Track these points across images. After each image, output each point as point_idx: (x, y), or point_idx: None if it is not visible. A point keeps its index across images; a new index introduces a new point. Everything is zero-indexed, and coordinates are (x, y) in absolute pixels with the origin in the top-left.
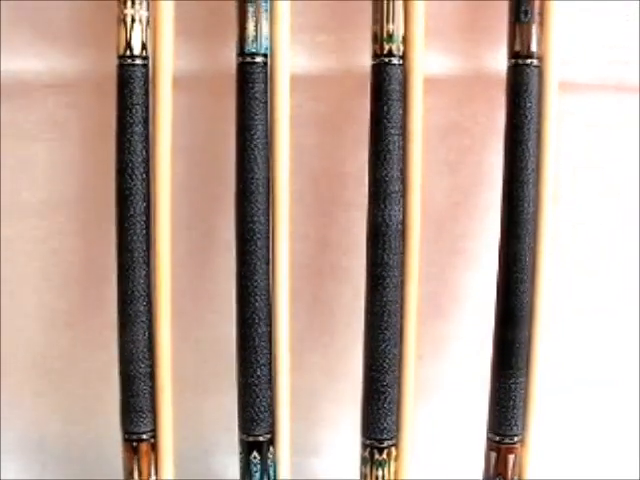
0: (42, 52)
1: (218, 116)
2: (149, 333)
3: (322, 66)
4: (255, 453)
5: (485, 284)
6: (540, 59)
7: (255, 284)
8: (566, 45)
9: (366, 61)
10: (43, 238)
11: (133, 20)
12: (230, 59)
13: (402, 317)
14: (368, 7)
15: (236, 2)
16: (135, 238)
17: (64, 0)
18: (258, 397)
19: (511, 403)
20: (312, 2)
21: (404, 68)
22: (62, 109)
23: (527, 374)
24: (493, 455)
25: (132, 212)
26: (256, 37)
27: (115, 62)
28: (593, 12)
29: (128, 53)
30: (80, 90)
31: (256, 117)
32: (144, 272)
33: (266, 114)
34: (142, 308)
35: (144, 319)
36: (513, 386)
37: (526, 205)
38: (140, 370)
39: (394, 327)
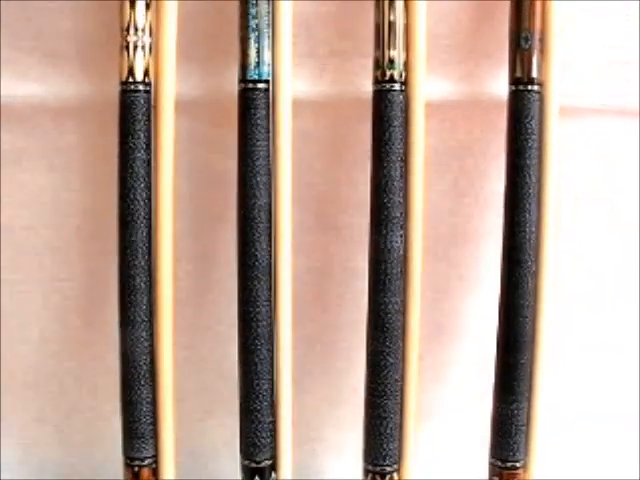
0: (45, 77)
1: (220, 141)
2: (151, 358)
3: (324, 91)
4: (257, 479)
5: (487, 308)
6: (541, 85)
7: (257, 310)
8: (567, 70)
9: (368, 86)
10: (44, 263)
11: (136, 47)
12: (232, 84)
13: (404, 343)
14: (370, 33)
15: (238, 28)
16: (137, 263)
17: (67, 26)
18: (260, 423)
19: (513, 428)
20: (313, 28)
21: (406, 94)
22: (65, 134)
23: (529, 399)
24: None
25: (134, 237)
26: (258, 63)
27: (118, 87)
28: (593, 36)
29: (131, 79)
30: (83, 115)
31: (258, 143)
32: (146, 298)
33: (268, 140)
34: (144, 334)
35: (146, 344)
36: (515, 411)
37: (527, 230)
38: (142, 395)
39: (396, 353)
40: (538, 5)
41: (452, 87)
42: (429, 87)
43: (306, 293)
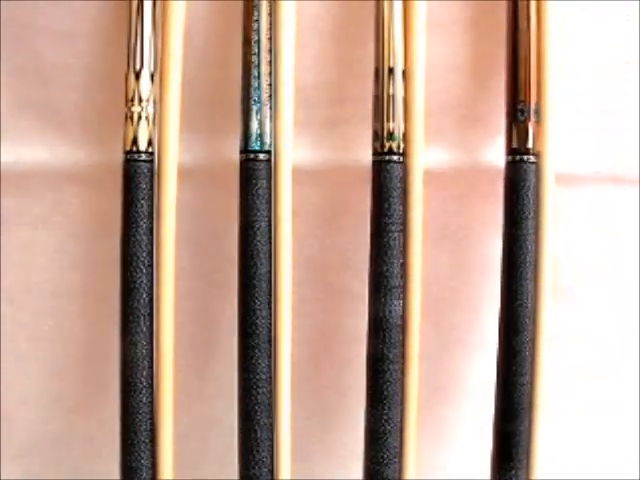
0: (50, 142)
1: (222, 208)
2: (151, 425)
3: (323, 159)
4: None
5: (486, 372)
6: (537, 155)
7: (257, 377)
8: (564, 139)
9: (367, 154)
10: (46, 325)
11: (140, 117)
12: (233, 152)
13: (402, 410)
14: (368, 101)
15: (240, 100)
16: (139, 330)
17: (74, 95)
18: None
19: None
20: (314, 97)
21: (404, 165)
22: (69, 199)
23: (527, 466)
24: None
25: (136, 304)
26: (260, 135)
27: (121, 155)
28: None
29: (134, 149)
30: (87, 181)
31: (259, 213)
32: (147, 364)
33: (269, 210)
34: (144, 399)
35: (147, 410)
36: (514, 478)
37: (525, 299)
38: (142, 462)
39: (394, 420)
40: (533, 77)
41: (450, 156)
42: (427, 156)
43: (306, 359)
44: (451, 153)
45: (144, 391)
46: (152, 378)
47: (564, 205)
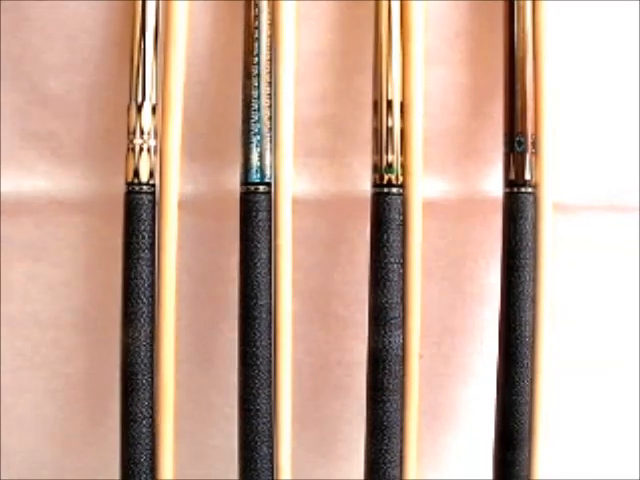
0: (52, 172)
1: (222, 239)
2: (151, 455)
3: (322, 190)
4: None
5: (486, 401)
6: (535, 187)
7: (257, 407)
8: (561, 168)
9: (366, 185)
10: (47, 354)
11: (141, 149)
12: (235, 184)
13: (402, 440)
14: (367, 133)
15: (241, 132)
16: (139, 361)
17: (77, 128)
18: None
19: None
20: (313, 129)
21: (403, 196)
22: (70, 229)
23: None
24: None
25: (137, 335)
26: (260, 167)
27: (123, 186)
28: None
29: (136, 180)
30: (88, 211)
31: (259, 245)
32: (148, 394)
33: (270, 241)
34: (145, 430)
35: (147, 441)
36: None
37: (524, 329)
38: None
39: (394, 449)
40: (530, 109)
41: (448, 186)
42: (426, 187)
43: (306, 387)
44: (450, 183)
45: (144, 422)
46: (153, 410)
47: (562, 235)
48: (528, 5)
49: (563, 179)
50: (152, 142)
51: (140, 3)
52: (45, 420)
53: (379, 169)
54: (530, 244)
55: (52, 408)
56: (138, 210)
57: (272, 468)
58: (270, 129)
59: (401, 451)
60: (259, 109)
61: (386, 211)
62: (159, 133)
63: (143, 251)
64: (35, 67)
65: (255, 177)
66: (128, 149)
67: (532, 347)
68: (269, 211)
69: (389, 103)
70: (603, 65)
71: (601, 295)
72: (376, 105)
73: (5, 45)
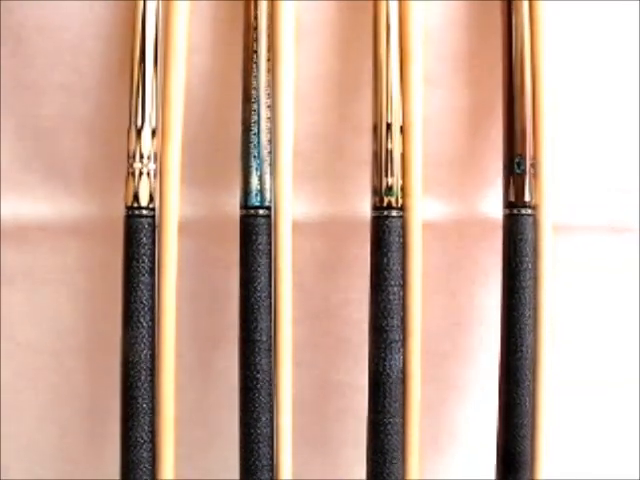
0: (52, 196)
1: (222, 261)
2: (152, 477)
3: (323, 213)
4: None
5: (486, 424)
6: (534, 208)
7: (258, 431)
8: (561, 190)
9: (366, 208)
10: (48, 380)
11: (141, 174)
12: (234, 207)
13: (404, 462)
14: (366, 155)
15: (240, 156)
16: (140, 385)
17: (77, 152)
18: None
19: None
20: (313, 152)
21: (403, 218)
22: (70, 253)
23: None
24: None
25: (137, 359)
26: (260, 191)
27: (123, 210)
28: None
29: (135, 204)
30: (88, 235)
31: (259, 268)
32: (148, 419)
33: (270, 265)
34: (145, 454)
35: (147, 465)
36: None
37: (524, 350)
38: None
39: (396, 473)
40: (529, 131)
41: (448, 208)
42: (425, 209)
43: (307, 411)
44: (450, 206)
45: (144, 446)
46: (153, 434)
47: (562, 256)
48: (526, 27)
49: (563, 200)
50: (152, 166)
51: (140, 29)
52: (45, 444)
53: (379, 192)
54: (530, 265)
55: (52, 431)
56: (138, 234)
57: None
58: (270, 152)
59: (403, 474)
60: (259, 132)
61: (386, 234)
62: (159, 157)
63: (143, 275)
64: (35, 91)
65: (255, 201)
66: (128, 173)
67: (533, 369)
68: (269, 234)
69: (389, 126)
70: (602, 87)
71: (601, 316)
72: (376, 128)
73: (5, 69)
